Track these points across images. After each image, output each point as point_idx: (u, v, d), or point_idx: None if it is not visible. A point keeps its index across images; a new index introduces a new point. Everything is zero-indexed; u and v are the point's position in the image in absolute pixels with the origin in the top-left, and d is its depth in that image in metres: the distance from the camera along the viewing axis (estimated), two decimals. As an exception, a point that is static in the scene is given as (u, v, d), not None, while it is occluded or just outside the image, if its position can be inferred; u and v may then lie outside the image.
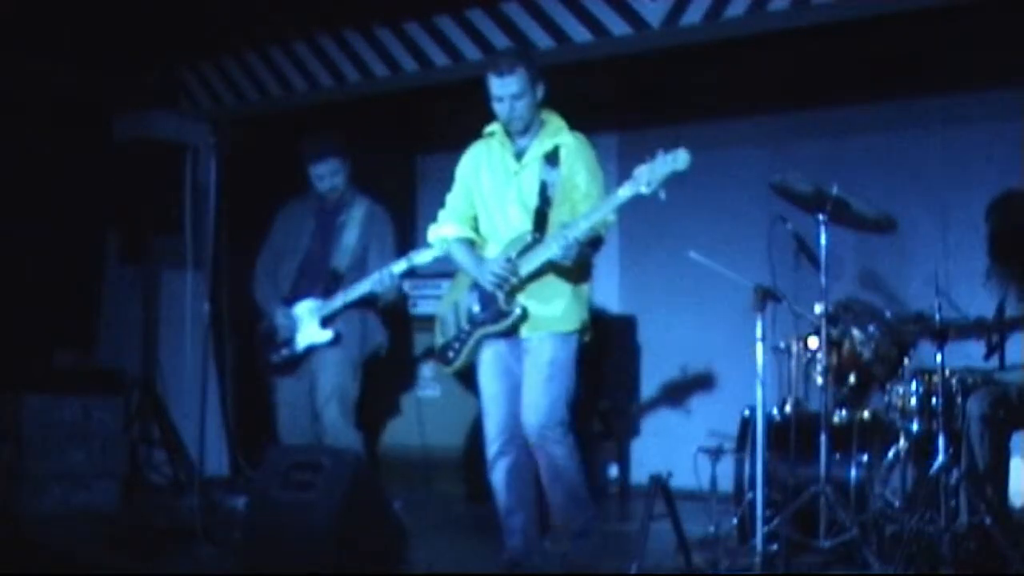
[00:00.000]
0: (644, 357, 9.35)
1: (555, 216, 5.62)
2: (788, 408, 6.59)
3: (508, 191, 5.74)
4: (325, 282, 7.05)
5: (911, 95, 8.36)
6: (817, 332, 6.16)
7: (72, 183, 8.88)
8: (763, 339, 5.89)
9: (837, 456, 6.25)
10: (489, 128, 5.86)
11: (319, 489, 5.68)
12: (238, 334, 9.34)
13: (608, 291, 9.45)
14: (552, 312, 5.63)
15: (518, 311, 5.60)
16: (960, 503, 5.80)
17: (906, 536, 5.70)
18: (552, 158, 5.67)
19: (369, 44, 8.62)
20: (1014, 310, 6.37)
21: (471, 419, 8.05)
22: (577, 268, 5.61)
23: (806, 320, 6.27)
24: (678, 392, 9.17)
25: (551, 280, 5.63)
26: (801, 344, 6.45)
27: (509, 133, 5.76)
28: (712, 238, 8.43)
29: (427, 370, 8.91)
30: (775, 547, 5.77)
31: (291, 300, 7.08)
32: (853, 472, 6.28)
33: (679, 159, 5.25)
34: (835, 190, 5.93)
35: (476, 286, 5.74)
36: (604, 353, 8.67)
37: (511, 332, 5.67)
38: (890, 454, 6.33)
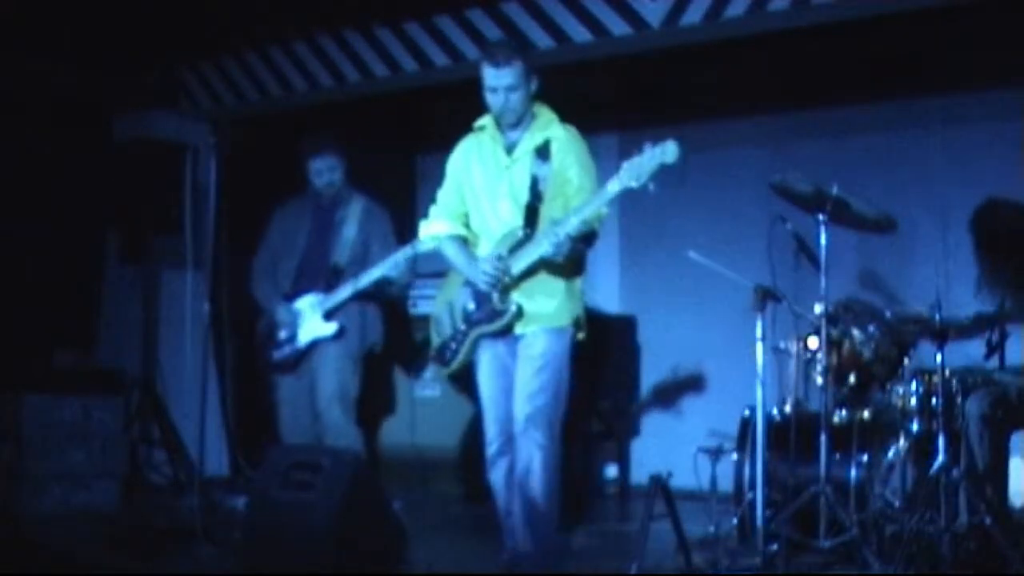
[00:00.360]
0: (644, 357, 9.35)
1: (547, 211, 5.55)
2: (788, 408, 6.59)
3: (499, 186, 5.69)
4: (326, 278, 7.07)
5: (911, 95, 8.36)
6: (817, 332, 6.16)
7: (72, 183, 8.88)
8: (763, 339, 5.90)
9: (837, 456, 6.25)
10: (479, 122, 5.81)
11: (319, 489, 5.68)
12: (238, 334, 9.34)
13: (608, 291, 9.45)
14: (545, 308, 5.58)
15: (513, 309, 5.55)
16: (960, 503, 5.80)
17: (906, 536, 5.69)
18: (543, 152, 5.62)
19: (369, 44, 8.62)
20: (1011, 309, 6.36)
21: (470, 419, 8.06)
22: (570, 264, 5.56)
23: (806, 320, 6.26)
24: (678, 392, 9.16)
25: (544, 277, 5.58)
26: (801, 344, 6.44)
27: (500, 126, 5.71)
28: (712, 238, 8.44)
29: (426, 370, 8.90)
30: (775, 547, 5.77)
31: (292, 298, 7.09)
32: (853, 472, 6.28)
33: (668, 152, 5.16)
34: (835, 190, 5.93)
35: (469, 284, 5.69)
36: (604, 353, 8.67)
37: (507, 331, 5.62)
38: (890, 454, 6.33)
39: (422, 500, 8.17)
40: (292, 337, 7.03)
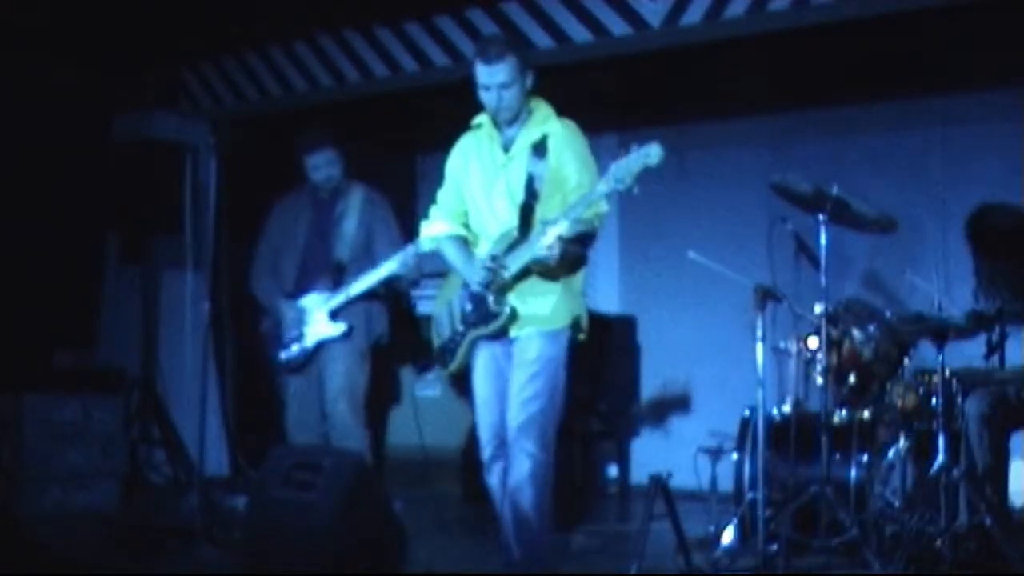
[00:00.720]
0: (644, 357, 9.35)
1: (544, 209, 5.42)
2: (788, 408, 6.59)
3: (496, 184, 5.58)
4: (330, 275, 7.02)
5: (911, 95, 8.36)
6: (817, 332, 6.16)
7: (72, 183, 8.88)
8: (763, 339, 5.90)
9: (837, 456, 6.25)
10: (477, 119, 5.72)
11: (319, 489, 5.67)
12: (238, 334, 9.35)
13: (608, 291, 9.45)
14: (541, 310, 5.48)
15: (507, 311, 5.44)
16: (960, 503, 5.80)
17: (906, 536, 5.70)
18: (540, 148, 5.49)
19: (369, 44, 8.62)
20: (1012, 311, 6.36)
21: (470, 419, 8.05)
22: (566, 264, 5.41)
23: (806, 320, 6.26)
24: (678, 392, 9.16)
25: (539, 278, 5.46)
26: (801, 344, 6.43)
27: (497, 124, 5.61)
28: (712, 238, 8.44)
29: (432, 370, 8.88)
30: (775, 547, 5.77)
31: (295, 295, 7.06)
32: (853, 472, 6.28)
33: (652, 154, 5.10)
34: (835, 190, 5.94)
35: (467, 285, 5.60)
36: (604, 353, 8.67)
37: (502, 333, 5.53)
38: (890, 454, 6.33)
39: (424, 500, 8.16)
40: (299, 337, 6.99)
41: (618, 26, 7.59)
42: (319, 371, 7.01)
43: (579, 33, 7.73)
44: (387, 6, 8.34)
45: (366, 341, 7.07)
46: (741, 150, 9.07)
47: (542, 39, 7.77)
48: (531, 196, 5.47)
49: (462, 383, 7.02)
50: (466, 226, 5.79)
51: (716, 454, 6.57)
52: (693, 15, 7.30)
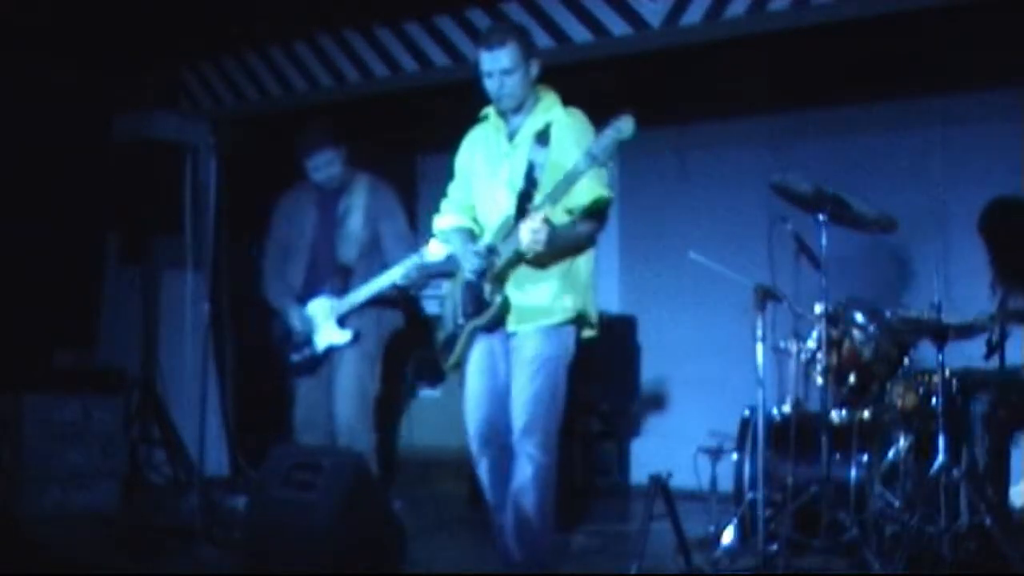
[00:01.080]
0: (644, 357, 9.35)
1: (541, 198, 5.29)
2: (788, 408, 6.59)
3: (499, 174, 5.52)
4: (336, 276, 6.95)
5: (911, 95, 8.36)
6: (817, 332, 6.16)
7: (72, 183, 8.88)
8: (763, 339, 5.90)
9: (837, 456, 6.25)
10: (484, 111, 5.68)
11: (319, 489, 5.67)
12: (238, 334, 9.35)
13: (608, 291, 9.45)
14: (537, 301, 5.40)
15: (499, 300, 5.37)
16: (960, 503, 5.80)
17: (906, 536, 5.70)
18: (543, 137, 5.41)
19: (369, 44, 8.63)
20: (1017, 305, 6.36)
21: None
22: (561, 247, 5.33)
23: (806, 320, 6.26)
24: (678, 392, 9.17)
25: (534, 266, 5.37)
26: (801, 344, 6.43)
27: (503, 114, 5.55)
28: (712, 238, 8.45)
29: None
30: (775, 547, 5.77)
31: (303, 297, 6.99)
32: (853, 472, 6.28)
33: (623, 128, 5.05)
34: (834, 190, 5.94)
35: (466, 278, 5.56)
36: (604, 353, 8.67)
37: (497, 324, 5.46)
38: (890, 454, 6.33)
39: (424, 500, 8.17)
40: (310, 342, 6.94)
41: (618, 26, 7.59)
42: (329, 373, 6.97)
43: (579, 33, 7.73)
44: (387, 6, 8.35)
45: (376, 345, 7.00)
46: (741, 150, 9.08)
47: (542, 39, 7.76)
48: (530, 184, 5.37)
49: (462, 379, 7.01)
50: (475, 219, 5.74)
51: (716, 454, 6.57)
52: (693, 15, 7.31)
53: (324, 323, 6.90)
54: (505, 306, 5.41)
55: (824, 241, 5.94)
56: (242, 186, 8.67)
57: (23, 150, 8.63)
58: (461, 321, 5.58)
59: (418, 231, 7.23)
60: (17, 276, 8.61)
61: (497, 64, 5.38)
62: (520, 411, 5.40)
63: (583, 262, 5.53)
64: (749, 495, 6.24)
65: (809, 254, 6.09)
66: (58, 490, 7.75)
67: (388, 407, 7.73)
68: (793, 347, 6.47)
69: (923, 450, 6.15)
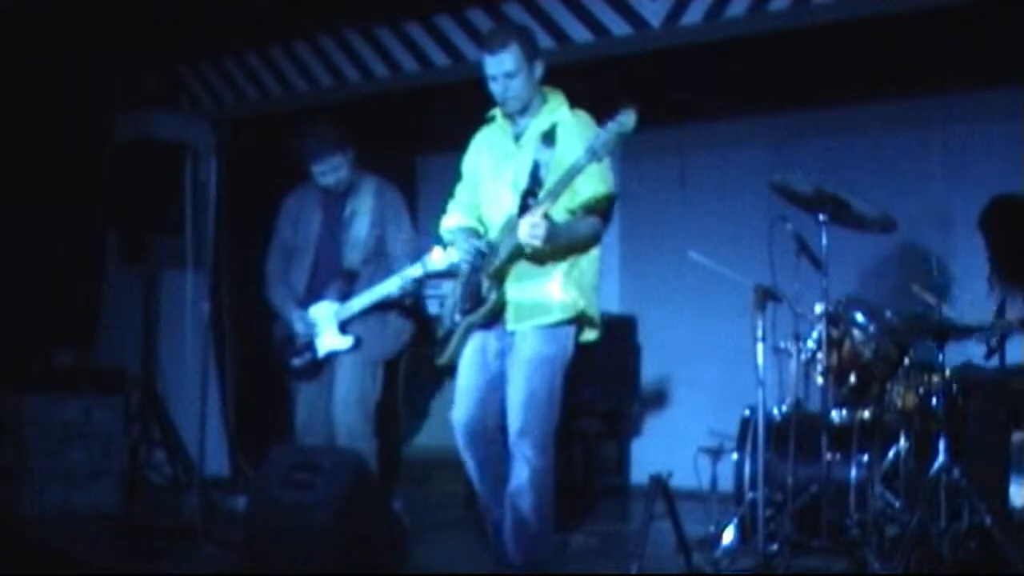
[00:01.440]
0: (644, 357, 9.33)
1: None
2: (788, 408, 6.58)
3: (504, 175, 5.54)
4: (341, 280, 6.92)
5: (911, 95, 8.36)
6: (818, 332, 6.16)
7: (72, 183, 8.88)
8: (763, 339, 5.89)
9: (837, 456, 6.25)
10: (490, 112, 5.68)
11: (319, 489, 5.67)
12: (238, 334, 9.35)
13: (608, 291, 9.43)
14: (537, 298, 5.41)
15: (494, 296, 5.38)
16: (960, 503, 5.80)
17: (906, 536, 5.69)
18: (548, 137, 5.41)
19: (369, 44, 8.63)
20: (1015, 311, 6.37)
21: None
22: (561, 246, 5.34)
23: (806, 320, 6.26)
24: (678, 392, 9.17)
25: (534, 262, 5.39)
26: (801, 344, 6.43)
27: (509, 115, 5.56)
28: (712, 238, 8.44)
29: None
30: (775, 547, 5.77)
31: (306, 300, 6.96)
32: (853, 472, 6.28)
33: (625, 122, 5.05)
34: (834, 190, 5.94)
35: (468, 276, 5.57)
36: (604, 353, 8.66)
37: (493, 319, 5.47)
38: (890, 454, 6.33)
39: (424, 500, 8.17)
40: (311, 346, 6.91)
41: (618, 26, 7.59)
42: (330, 379, 6.93)
43: (579, 33, 7.74)
44: (387, 6, 8.34)
45: (378, 354, 6.96)
46: (741, 150, 9.07)
47: (542, 39, 7.73)
48: (535, 183, 5.37)
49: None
50: (481, 220, 5.76)
51: (716, 454, 6.57)
52: (693, 15, 7.31)
53: (326, 328, 6.86)
54: (500, 302, 5.41)
55: (824, 241, 5.94)
56: (242, 186, 8.67)
57: (23, 149, 8.62)
58: (458, 318, 5.60)
59: (418, 231, 7.22)
60: (17, 276, 8.61)
61: (500, 67, 5.39)
62: (516, 412, 5.40)
63: (587, 262, 5.54)
64: (749, 495, 6.24)
65: (809, 254, 6.08)
66: (58, 490, 7.74)
67: (389, 412, 7.71)
68: (793, 347, 6.46)
69: (923, 450, 6.14)
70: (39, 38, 8.47)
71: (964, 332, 6.14)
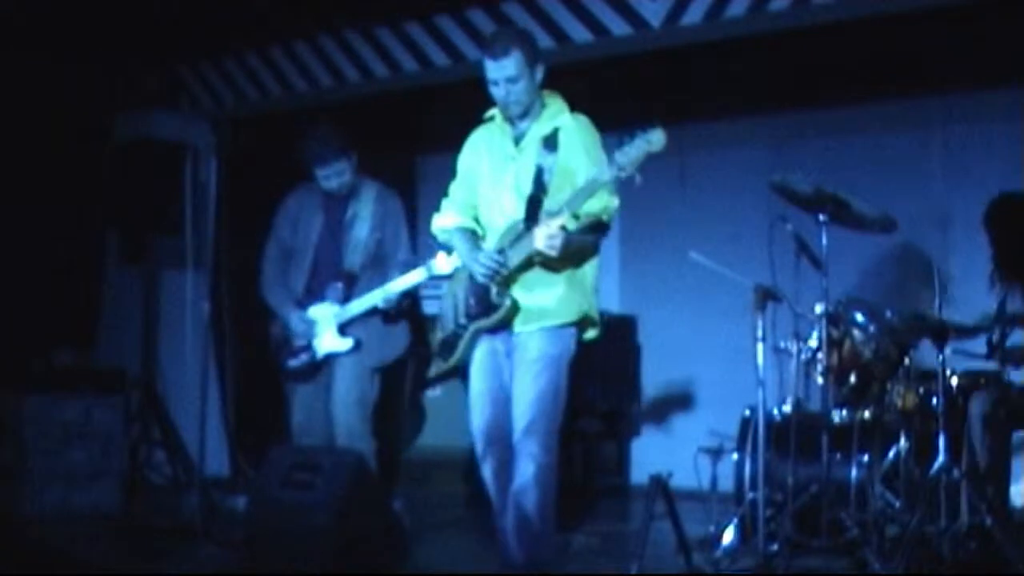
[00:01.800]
0: (644, 357, 9.34)
1: (552, 203, 5.34)
2: (788, 408, 6.59)
3: (504, 178, 5.55)
4: (341, 283, 6.88)
5: (911, 95, 8.36)
6: (818, 332, 6.16)
7: (72, 183, 8.88)
8: (763, 339, 5.89)
9: (838, 456, 6.26)
10: (488, 113, 5.68)
11: (319, 489, 5.68)
12: (238, 334, 9.35)
13: (608, 291, 9.44)
14: (543, 304, 5.43)
15: (507, 303, 5.39)
16: (961, 503, 5.80)
17: (906, 536, 5.70)
18: (550, 142, 5.44)
19: (369, 44, 8.62)
20: (1016, 308, 6.37)
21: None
22: (573, 255, 5.39)
23: (806, 320, 6.26)
24: (678, 392, 9.17)
25: (544, 270, 5.41)
26: (802, 344, 6.43)
27: (508, 118, 5.57)
28: (712, 238, 8.44)
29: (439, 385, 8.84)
30: (775, 547, 5.77)
31: (305, 302, 6.94)
32: (853, 472, 6.28)
33: (654, 141, 5.06)
34: (835, 190, 5.94)
35: (472, 279, 5.56)
36: (604, 353, 8.67)
37: (503, 326, 5.49)
38: (890, 454, 6.34)
39: (424, 500, 8.16)
40: (308, 347, 6.87)
41: (618, 26, 7.59)
42: (327, 379, 6.90)
43: (579, 33, 7.73)
44: (387, 6, 8.34)
45: (377, 359, 6.93)
46: (741, 150, 9.08)
47: (542, 39, 7.75)
48: (539, 189, 5.41)
49: (462, 379, 7.01)
50: (476, 219, 5.77)
51: (716, 454, 6.57)
52: (693, 15, 7.31)
53: (326, 329, 6.84)
54: (514, 309, 5.44)
55: (824, 241, 5.94)
56: (242, 186, 8.66)
57: (24, 149, 8.62)
58: (463, 322, 5.61)
59: (418, 230, 7.21)
60: (17, 276, 8.61)
61: (503, 73, 5.40)
62: (523, 410, 5.42)
63: (588, 267, 5.59)
64: (749, 495, 6.24)
65: (809, 254, 6.09)
66: (58, 490, 7.74)
67: (388, 413, 7.71)
68: (793, 347, 6.46)
69: (923, 450, 6.15)
70: (39, 38, 8.46)
71: (964, 332, 6.14)
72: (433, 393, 8.89)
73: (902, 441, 6.27)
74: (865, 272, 8.16)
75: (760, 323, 5.87)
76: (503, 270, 5.41)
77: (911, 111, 8.46)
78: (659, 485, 5.55)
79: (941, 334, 5.91)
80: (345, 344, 6.80)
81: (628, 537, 6.81)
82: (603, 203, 5.35)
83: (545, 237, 5.21)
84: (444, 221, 5.83)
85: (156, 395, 8.81)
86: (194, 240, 8.28)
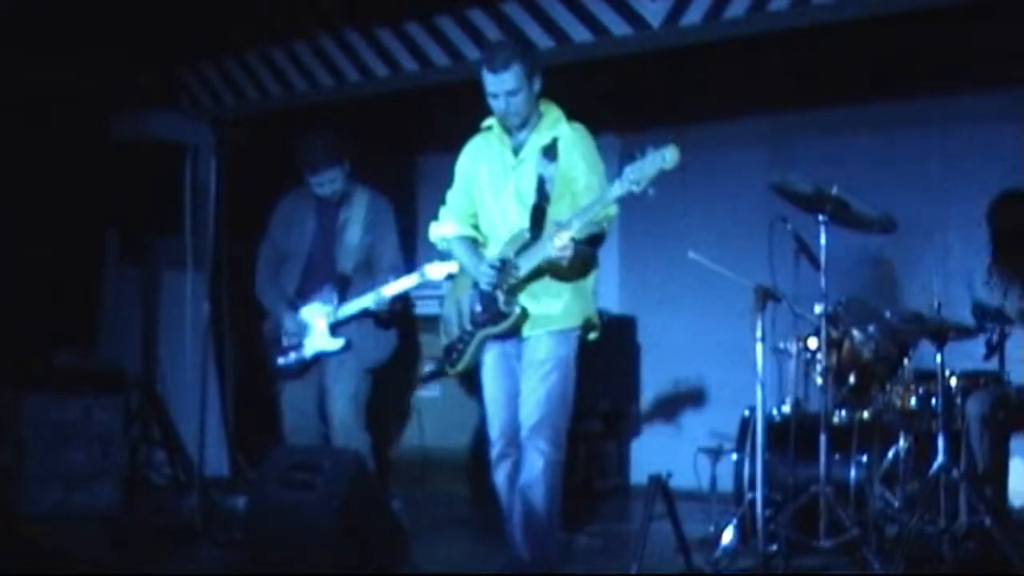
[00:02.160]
0: (644, 357, 9.35)
1: (554, 211, 5.49)
2: (788, 408, 6.59)
3: (505, 187, 5.63)
4: (333, 285, 6.96)
5: (911, 95, 8.36)
6: (817, 332, 6.16)
7: (72, 183, 8.87)
8: (763, 339, 5.89)
9: (837, 456, 6.26)
10: (486, 122, 5.75)
11: (319, 489, 5.68)
12: (238, 334, 9.34)
13: (608, 291, 9.45)
14: (551, 310, 5.54)
15: (517, 311, 5.49)
16: (960, 503, 5.80)
17: (906, 536, 5.70)
18: (550, 151, 5.54)
19: (369, 44, 8.62)
20: (1013, 307, 6.38)
21: (472, 420, 8.06)
22: (577, 265, 5.48)
23: (806, 320, 6.26)
24: (678, 392, 9.17)
25: (550, 279, 5.53)
26: (801, 344, 6.43)
27: (507, 128, 5.65)
28: (712, 238, 8.45)
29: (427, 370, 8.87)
30: (775, 547, 5.77)
31: (298, 303, 7.01)
32: (853, 472, 6.29)
33: (668, 157, 5.10)
34: (835, 190, 5.93)
35: (477, 285, 5.64)
36: (604, 353, 8.66)
37: (512, 333, 5.58)
38: (890, 454, 6.34)
39: (424, 500, 8.16)
40: (298, 346, 6.95)
41: (618, 26, 7.58)
42: (319, 378, 6.98)
43: (579, 33, 7.72)
44: (387, 6, 8.34)
45: (371, 357, 7.00)
46: (741, 150, 9.07)
47: (542, 39, 7.76)
48: (543, 198, 5.52)
49: (466, 383, 7.03)
50: (475, 227, 5.84)
51: (716, 454, 6.58)
52: (693, 15, 7.30)
53: (317, 329, 6.92)
54: (523, 317, 5.54)
55: (824, 241, 5.94)
56: (242, 186, 8.66)
57: (23, 150, 8.61)
58: (470, 328, 5.69)
59: (418, 231, 7.23)
60: (17, 276, 8.61)
61: (503, 86, 5.48)
62: (533, 408, 5.50)
63: (591, 275, 5.71)
64: (749, 495, 6.24)
65: (809, 254, 6.08)
66: (58, 490, 7.75)
67: (380, 411, 7.74)
68: (793, 347, 6.47)
69: (923, 450, 6.15)
70: (39, 38, 8.46)
71: (963, 332, 6.14)
72: (431, 395, 8.88)
73: (901, 441, 6.27)
74: (865, 272, 8.16)
75: (760, 323, 5.88)
76: (511, 279, 5.49)
77: (910, 111, 8.45)
78: (659, 485, 5.55)
79: (940, 334, 5.91)
80: (336, 344, 6.87)
81: (628, 537, 6.81)
82: (606, 212, 5.41)
83: (558, 248, 5.30)
84: (444, 230, 5.90)
85: (156, 395, 8.81)
86: (193, 240, 8.23)
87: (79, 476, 7.83)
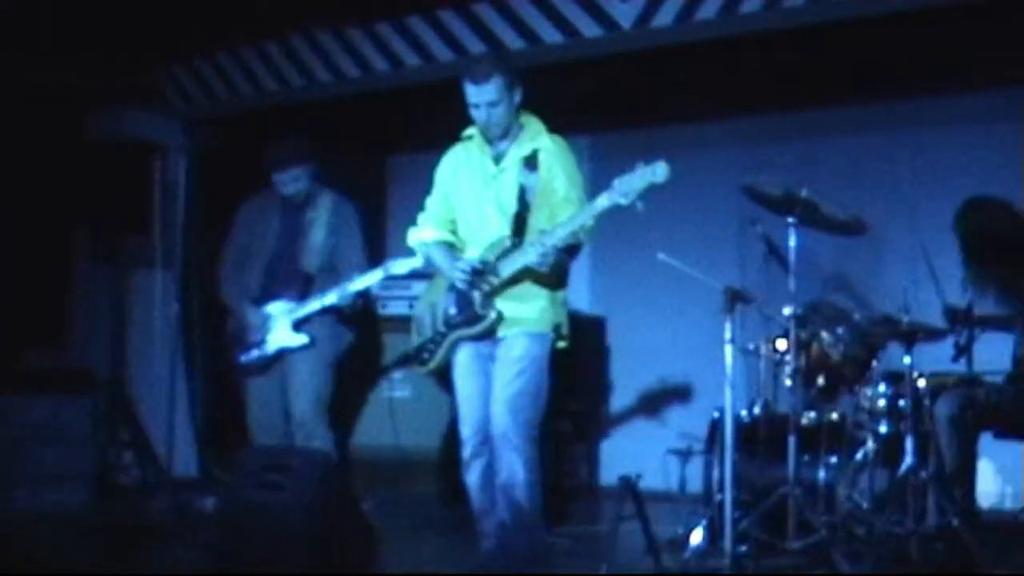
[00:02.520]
0: (614, 358, 9.36)
1: (534, 220, 5.62)
2: (757, 410, 6.61)
3: (486, 195, 5.74)
4: (297, 284, 7.05)
5: (882, 99, 8.38)
6: (786, 334, 6.18)
7: (42, 181, 8.82)
8: (732, 341, 5.90)
9: (806, 457, 6.26)
10: (467, 131, 5.86)
11: (289, 490, 5.68)
12: (208, 334, 9.31)
13: (578, 292, 9.43)
14: (528, 313, 5.64)
15: (493, 315, 5.60)
16: (928, 504, 5.83)
17: (875, 537, 5.72)
18: (531, 162, 5.67)
19: (340, 44, 8.60)
20: (987, 311, 6.41)
21: (443, 419, 8.05)
22: (554, 274, 5.61)
23: (775, 322, 6.28)
24: (648, 393, 9.17)
25: (527, 285, 5.64)
26: (770, 346, 6.45)
27: (488, 138, 5.76)
28: (683, 240, 8.44)
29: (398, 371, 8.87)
30: (744, 548, 5.78)
31: (261, 301, 7.07)
32: (822, 473, 6.29)
33: (658, 172, 5.33)
34: (804, 193, 5.95)
35: (453, 288, 5.74)
36: (574, 354, 8.65)
37: (486, 335, 5.67)
38: (859, 456, 6.35)
39: (395, 501, 8.15)
40: (261, 342, 7.03)
41: (589, 28, 7.59)
42: (283, 375, 7.06)
43: (550, 34, 7.72)
44: (358, 6, 8.33)
45: (332, 352, 7.12)
46: (712, 152, 9.08)
47: (513, 40, 7.77)
48: (523, 207, 5.66)
49: (438, 383, 7.03)
50: (453, 232, 5.95)
51: (685, 455, 6.59)
52: (664, 17, 7.30)
53: (279, 325, 7.01)
54: (499, 320, 5.64)
55: (793, 243, 5.96)
56: (212, 186, 8.63)
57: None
58: (443, 329, 5.80)
59: (387, 231, 7.25)
60: (-15, 274, 8.56)
61: (484, 97, 5.60)
62: (506, 407, 5.58)
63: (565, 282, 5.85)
64: (718, 496, 6.24)
65: (779, 256, 6.11)
66: (27, 490, 7.70)
67: (342, 407, 7.75)
68: (762, 349, 6.49)
69: (891, 452, 6.17)
70: (11, 39, 8.40)
71: (932, 334, 6.17)
72: (404, 394, 8.87)
73: (870, 443, 6.29)
74: (835, 274, 8.18)
75: (729, 325, 5.89)
76: (488, 282, 5.60)
77: (882, 114, 8.47)
78: (628, 486, 5.57)
79: (909, 336, 5.94)
80: (298, 340, 6.96)
81: (598, 538, 6.82)
82: (584, 223, 5.53)
83: (539, 254, 5.43)
84: (423, 235, 6.00)
85: (125, 396, 8.76)
86: (163, 240, 8.24)
87: (47, 477, 7.79)
